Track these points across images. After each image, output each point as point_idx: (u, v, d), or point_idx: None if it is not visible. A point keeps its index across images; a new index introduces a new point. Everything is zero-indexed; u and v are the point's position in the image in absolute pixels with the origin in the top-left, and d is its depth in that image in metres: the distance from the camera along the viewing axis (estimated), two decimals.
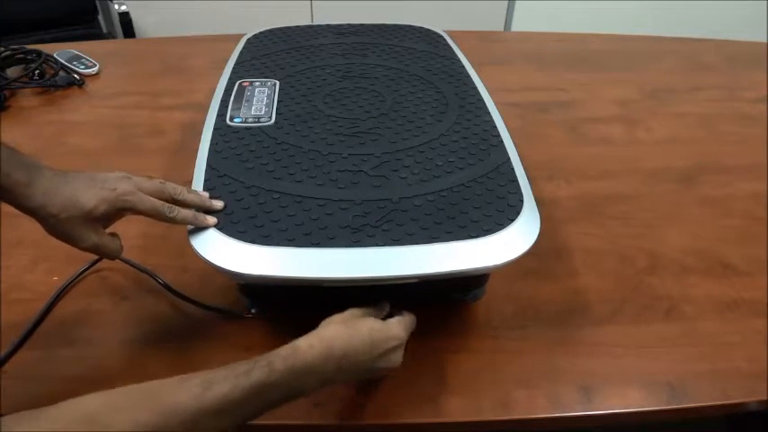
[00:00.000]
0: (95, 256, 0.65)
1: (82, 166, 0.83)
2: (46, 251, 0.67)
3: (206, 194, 0.54)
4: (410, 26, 0.88)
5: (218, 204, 0.53)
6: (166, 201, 0.51)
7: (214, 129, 0.63)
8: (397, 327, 0.50)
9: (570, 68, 1.10)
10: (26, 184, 0.46)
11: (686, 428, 0.85)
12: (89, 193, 0.48)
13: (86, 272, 0.65)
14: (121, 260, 0.65)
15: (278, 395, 0.43)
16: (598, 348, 0.59)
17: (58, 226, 0.47)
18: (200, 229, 0.51)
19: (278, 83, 0.72)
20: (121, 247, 0.52)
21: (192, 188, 0.55)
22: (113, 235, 0.51)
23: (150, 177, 0.52)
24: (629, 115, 0.96)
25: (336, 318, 0.49)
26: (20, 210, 0.47)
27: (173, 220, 0.51)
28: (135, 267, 0.65)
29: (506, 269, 0.51)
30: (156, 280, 0.63)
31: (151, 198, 0.50)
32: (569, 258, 0.69)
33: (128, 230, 0.65)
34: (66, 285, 0.63)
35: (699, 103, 1.01)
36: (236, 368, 0.41)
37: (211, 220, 0.51)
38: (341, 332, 0.47)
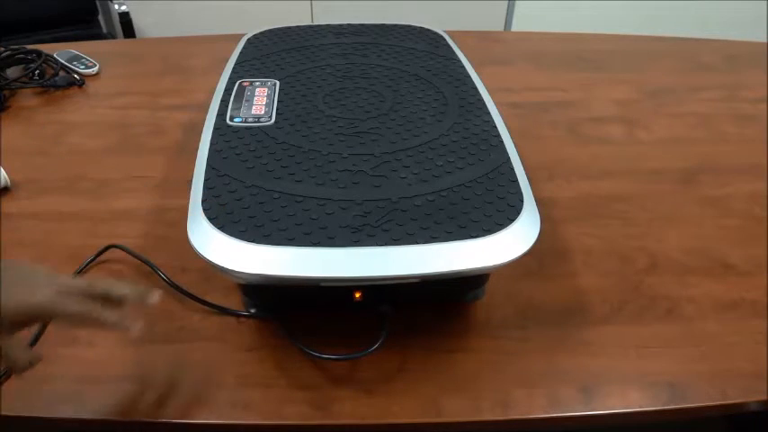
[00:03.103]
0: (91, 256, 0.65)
1: (82, 166, 0.83)
2: (46, 251, 0.67)
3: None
4: (410, 26, 0.88)
5: (155, 297, 0.48)
6: (98, 299, 0.45)
7: (214, 129, 0.63)
8: None
9: (570, 68, 1.10)
10: None
11: (686, 428, 0.85)
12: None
13: (82, 270, 0.65)
14: (127, 251, 0.65)
15: None
16: (598, 348, 0.59)
17: None
18: (200, 228, 0.51)
19: (278, 83, 0.72)
20: (36, 358, 0.44)
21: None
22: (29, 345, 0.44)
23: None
24: (629, 115, 0.96)
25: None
26: None
27: (101, 325, 0.44)
28: (140, 260, 0.65)
29: (506, 269, 0.51)
30: (159, 274, 0.63)
31: (75, 304, 0.43)
32: (569, 258, 0.69)
33: (129, 230, 0.66)
34: None
35: (699, 103, 1.01)
36: None
37: (136, 326, 0.45)
38: None
